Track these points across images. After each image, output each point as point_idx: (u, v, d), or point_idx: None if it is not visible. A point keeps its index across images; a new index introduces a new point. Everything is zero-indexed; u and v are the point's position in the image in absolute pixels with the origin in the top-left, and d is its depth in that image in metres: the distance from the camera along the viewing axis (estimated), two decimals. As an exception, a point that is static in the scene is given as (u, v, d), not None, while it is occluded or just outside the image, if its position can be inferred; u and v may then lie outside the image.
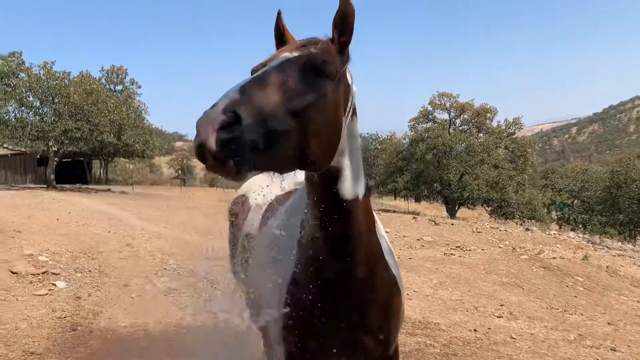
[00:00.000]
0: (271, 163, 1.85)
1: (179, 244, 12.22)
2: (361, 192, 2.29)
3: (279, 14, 2.40)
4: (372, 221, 2.42)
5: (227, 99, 1.72)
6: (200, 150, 1.66)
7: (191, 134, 1.79)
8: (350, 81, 2.21)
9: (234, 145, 1.66)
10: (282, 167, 1.94)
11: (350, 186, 2.23)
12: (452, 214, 40.70)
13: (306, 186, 2.30)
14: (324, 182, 2.18)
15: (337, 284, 2.33)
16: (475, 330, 7.25)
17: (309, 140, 1.92)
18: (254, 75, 1.96)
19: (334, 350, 2.48)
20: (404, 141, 48.93)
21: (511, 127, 45.31)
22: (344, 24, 2.09)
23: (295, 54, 2.05)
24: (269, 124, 1.75)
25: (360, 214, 2.28)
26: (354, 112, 2.25)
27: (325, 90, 1.99)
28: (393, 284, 2.55)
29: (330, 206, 2.21)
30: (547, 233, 23.36)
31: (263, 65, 2.07)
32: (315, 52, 2.03)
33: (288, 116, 1.82)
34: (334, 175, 2.19)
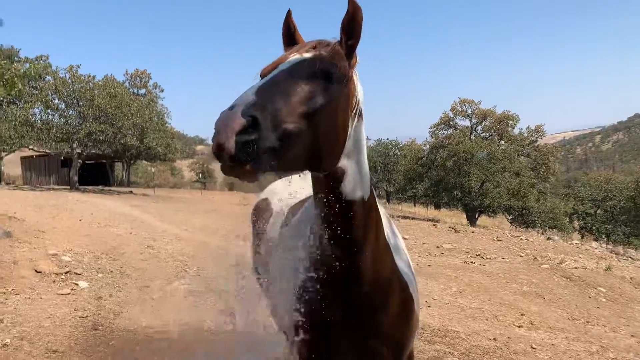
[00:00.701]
0: (284, 165, 1.86)
1: (200, 247, 12.31)
2: (366, 193, 2.29)
3: (289, 13, 2.40)
4: (378, 224, 2.39)
5: (245, 101, 1.75)
6: (219, 151, 1.70)
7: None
8: (356, 83, 2.23)
9: (251, 148, 1.70)
10: (293, 169, 2.00)
11: (353, 187, 2.24)
12: (472, 221, 40.32)
13: (312, 186, 2.33)
14: (328, 183, 2.21)
15: (344, 287, 2.33)
16: (494, 339, 7.17)
17: (319, 142, 1.97)
18: (268, 77, 1.99)
19: (345, 355, 2.49)
20: (424, 147, 48.66)
21: (533, 134, 44.79)
22: (351, 27, 2.10)
23: (307, 55, 2.08)
24: (284, 127, 1.79)
25: (364, 215, 2.28)
26: (360, 115, 2.25)
27: (335, 94, 2.03)
28: (403, 288, 2.53)
29: (334, 206, 2.23)
30: (569, 242, 23.01)
31: (274, 67, 2.09)
32: (325, 56, 2.06)
33: (301, 119, 1.87)
34: (338, 176, 2.21)
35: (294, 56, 2.08)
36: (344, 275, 2.30)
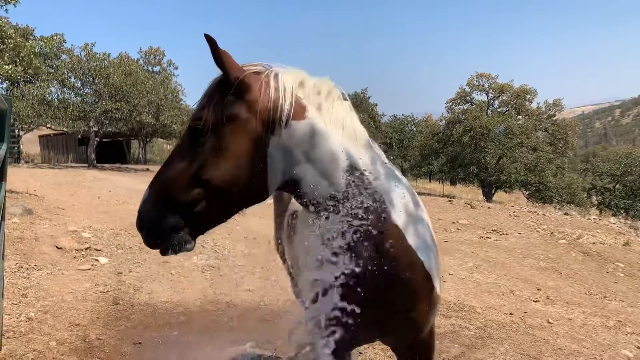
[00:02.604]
0: (206, 224, 2.21)
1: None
2: (340, 186, 2.18)
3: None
4: (369, 211, 2.23)
5: (142, 199, 2.19)
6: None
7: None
8: (266, 90, 2.12)
9: (153, 238, 2.18)
10: (221, 219, 2.25)
11: (315, 189, 2.18)
12: (488, 197, 40.11)
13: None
14: (285, 196, 2.33)
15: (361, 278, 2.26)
16: (511, 313, 7.18)
17: (223, 194, 2.11)
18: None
19: (364, 334, 2.47)
20: (440, 123, 48.20)
21: (551, 109, 44.15)
22: (217, 64, 2.12)
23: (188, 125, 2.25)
24: (176, 205, 2.12)
25: (345, 207, 2.19)
26: (300, 116, 2.13)
27: (210, 146, 2.11)
28: (418, 265, 2.36)
29: (307, 207, 2.27)
30: (586, 218, 22.82)
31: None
32: (192, 121, 2.19)
33: (191, 187, 2.10)
34: (293, 186, 2.22)
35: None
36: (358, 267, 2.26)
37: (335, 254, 2.24)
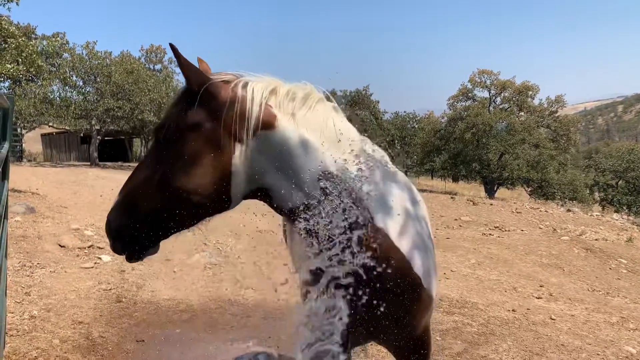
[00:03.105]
0: (170, 231, 2.25)
1: (219, 220, 12.41)
2: (313, 194, 2.13)
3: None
4: (350, 216, 2.17)
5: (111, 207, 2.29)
6: None
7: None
8: (238, 99, 2.08)
9: (119, 245, 2.30)
10: (185, 227, 2.30)
11: (286, 200, 2.15)
12: (490, 194, 40.05)
13: None
14: (262, 201, 2.27)
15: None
16: (513, 310, 7.18)
17: (189, 198, 2.11)
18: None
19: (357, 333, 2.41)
20: (442, 120, 48.11)
21: (553, 105, 43.98)
22: (182, 73, 2.11)
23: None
24: (140, 213, 2.18)
25: (322, 214, 2.13)
26: (269, 126, 2.08)
27: (173, 154, 2.13)
28: (406, 268, 2.29)
29: (284, 215, 2.26)
30: (589, 214, 22.80)
31: None
32: (156, 130, 2.23)
33: (155, 195, 2.14)
34: (263, 195, 2.22)
35: None
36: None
37: (318, 259, 2.21)
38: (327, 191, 2.13)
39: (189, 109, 2.10)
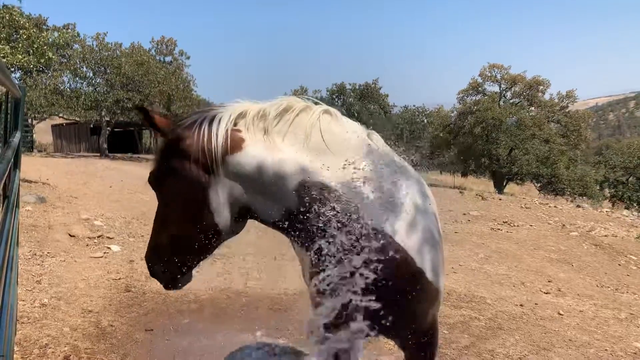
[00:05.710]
0: (190, 263, 2.46)
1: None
2: (294, 205, 2.18)
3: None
4: (339, 219, 2.16)
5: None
6: None
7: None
8: (202, 133, 2.20)
9: (157, 279, 2.58)
10: (201, 258, 2.48)
11: (267, 213, 2.28)
12: (499, 189, 39.91)
13: None
14: (251, 217, 2.38)
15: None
16: (521, 305, 7.16)
17: (187, 236, 2.32)
18: None
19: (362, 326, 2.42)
20: (452, 114, 47.89)
21: (564, 100, 43.72)
22: (153, 129, 2.33)
23: None
24: (163, 254, 2.43)
25: (309, 221, 2.16)
26: (236, 149, 2.17)
27: (163, 199, 2.43)
28: (408, 263, 2.24)
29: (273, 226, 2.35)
30: (599, 210, 22.63)
31: None
32: (149, 180, 2.45)
33: (165, 238, 2.41)
34: (248, 212, 2.32)
35: None
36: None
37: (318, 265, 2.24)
38: (312, 199, 2.15)
39: (167, 157, 2.29)
